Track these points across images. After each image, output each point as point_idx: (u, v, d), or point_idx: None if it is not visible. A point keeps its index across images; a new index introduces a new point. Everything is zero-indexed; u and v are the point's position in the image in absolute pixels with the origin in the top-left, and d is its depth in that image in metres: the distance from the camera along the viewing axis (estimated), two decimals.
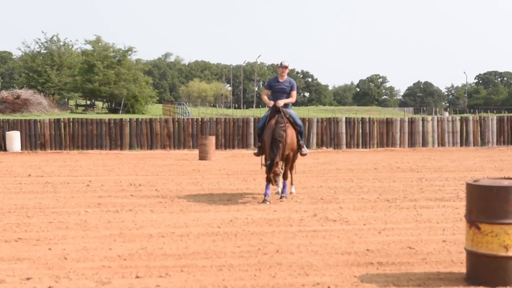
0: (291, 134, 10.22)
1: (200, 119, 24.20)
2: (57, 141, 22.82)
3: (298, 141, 10.50)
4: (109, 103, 58.75)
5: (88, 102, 61.72)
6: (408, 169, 15.55)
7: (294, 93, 10.73)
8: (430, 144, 24.31)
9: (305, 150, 10.75)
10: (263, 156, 10.60)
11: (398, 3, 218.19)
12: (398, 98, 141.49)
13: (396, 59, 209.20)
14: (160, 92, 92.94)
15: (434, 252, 6.60)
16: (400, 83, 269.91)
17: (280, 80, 10.71)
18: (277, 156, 9.81)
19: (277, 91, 10.61)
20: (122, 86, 53.97)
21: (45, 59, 58.20)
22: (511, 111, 79.94)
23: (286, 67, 10.71)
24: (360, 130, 24.03)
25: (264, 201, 9.98)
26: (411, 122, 24.45)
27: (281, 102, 10.40)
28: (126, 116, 31.25)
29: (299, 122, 10.67)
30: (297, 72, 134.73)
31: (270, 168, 9.81)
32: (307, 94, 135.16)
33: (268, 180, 10.05)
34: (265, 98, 10.91)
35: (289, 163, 10.47)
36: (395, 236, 7.46)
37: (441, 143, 24.37)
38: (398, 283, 5.47)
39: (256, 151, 10.92)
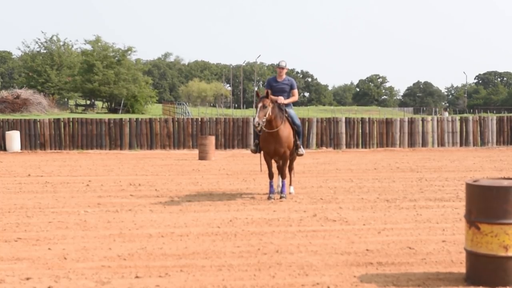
0: (288, 131, 10.26)
1: (199, 119, 24.21)
2: (56, 141, 22.84)
3: (295, 140, 10.51)
4: (108, 103, 58.71)
5: (88, 102, 61.68)
6: (408, 169, 15.55)
7: (295, 91, 10.77)
8: (429, 144, 24.31)
9: (301, 150, 10.75)
10: (261, 154, 10.62)
11: (397, 3, 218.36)
12: (398, 98, 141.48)
13: (396, 59, 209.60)
14: (160, 92, 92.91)
15: (434, 252, 6.60)
16: (400, 83, 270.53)
17: (279, 80, 10.74)
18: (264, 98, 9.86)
19: (277, 91, 10.62)
20: (121, 86, 53.92)
21: (44, 59, 58.15)
22: (511, 111, 79.95)
23: (283, 68, 10.75)
24: (360, 130, 24.04)
25: (268, 198, 10.35)
26: (411, 122, 24.45)
27: (283, 99, 10.43)
28: (126, 116, 31.20)
29: (297, 122, 10.68)
30: (297, 72, 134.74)
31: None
32: (307, 94, 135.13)
33: (270, 176, 10.43)
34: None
35: (286, 161, 10.48)
36: (394, 236, 7.46)
37: (441, 143, 24.37)
38: (398, 283, 5.47)
39: (253, 147, 10.92)
